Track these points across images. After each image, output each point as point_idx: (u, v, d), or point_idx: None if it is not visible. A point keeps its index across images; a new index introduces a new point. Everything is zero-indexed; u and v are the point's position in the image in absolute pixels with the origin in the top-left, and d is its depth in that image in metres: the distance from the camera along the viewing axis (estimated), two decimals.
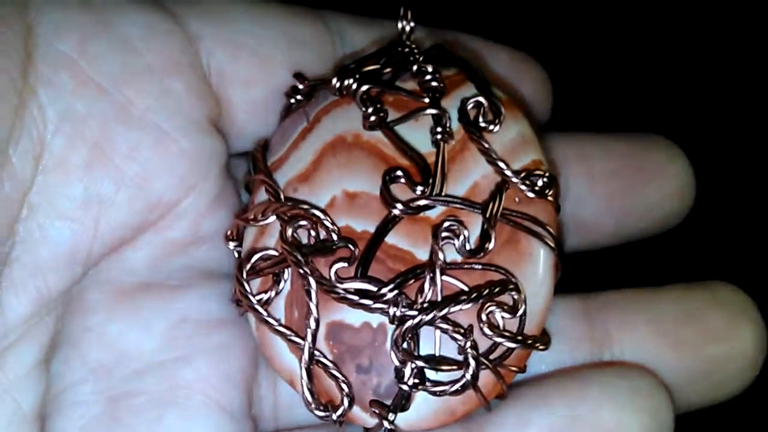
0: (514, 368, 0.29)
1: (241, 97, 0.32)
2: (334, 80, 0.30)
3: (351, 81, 0.30)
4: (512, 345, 0.29)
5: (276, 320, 0.30)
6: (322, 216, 0.30)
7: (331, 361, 0.29)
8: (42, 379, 0.28)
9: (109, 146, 0.28)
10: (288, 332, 0.30)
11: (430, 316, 0.28)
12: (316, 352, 0.29)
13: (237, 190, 0.33)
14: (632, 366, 0.32)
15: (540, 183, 0.30)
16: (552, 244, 0.30)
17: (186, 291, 0.31)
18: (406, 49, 0.31)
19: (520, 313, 0.29)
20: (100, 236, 0.29)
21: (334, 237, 0.29)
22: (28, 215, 0.27)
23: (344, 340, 0.29)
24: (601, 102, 0.52)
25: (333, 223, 0.29)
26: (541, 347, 0.30)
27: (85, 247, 0.29)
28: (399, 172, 0.29)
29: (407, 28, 0.32)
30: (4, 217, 0.27)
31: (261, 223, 0.31)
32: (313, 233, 0.29)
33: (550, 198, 0.30)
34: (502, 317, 0.29)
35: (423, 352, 0.29)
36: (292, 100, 0.32)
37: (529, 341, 0.29)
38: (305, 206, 0.29)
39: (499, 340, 0.29)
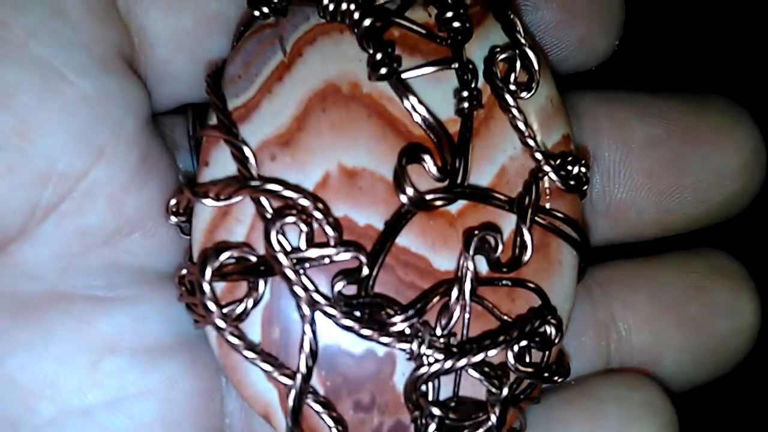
0: (530, 400, 0.26)
1: (162, 26, 0.24)
2: None
3: (350, 4, 0.23)
4: (540, 382, 0.25)
5: (252, 346, 0.23)
6: (316, 214, 0.23)
7: (323, 398, 0.24)
8: None
9: None
10: (270, 365, 0.23)
11: (463, 362, 0.23)
12: None
13: (171, 154, 0.26)
14: (636, 374, 0.29)
15: (575, 172, 0.25)
16: (581, 249, 0.26)
17: (114, 305, 0.24)
18: None
19: (554, 346, 0.24)
20: None
21: (330, 233, 0.23)
22: None
23: (341, 369, 0.24)
24: (645, 57, 0.40)
25: (333, 220, 0.23)
26: (560, 380, 0.25)
27: None
28: (425, 155, 0.23)
29: None
30: None
31: (226, 202, 0.23)
32: (303, 227, 0.23)
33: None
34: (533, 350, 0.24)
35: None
36: (257, 13, 0.24)
37: (556, 377, 0.25)
38: (293, 194, 0.22)
39: (526, 376, 0.24)
